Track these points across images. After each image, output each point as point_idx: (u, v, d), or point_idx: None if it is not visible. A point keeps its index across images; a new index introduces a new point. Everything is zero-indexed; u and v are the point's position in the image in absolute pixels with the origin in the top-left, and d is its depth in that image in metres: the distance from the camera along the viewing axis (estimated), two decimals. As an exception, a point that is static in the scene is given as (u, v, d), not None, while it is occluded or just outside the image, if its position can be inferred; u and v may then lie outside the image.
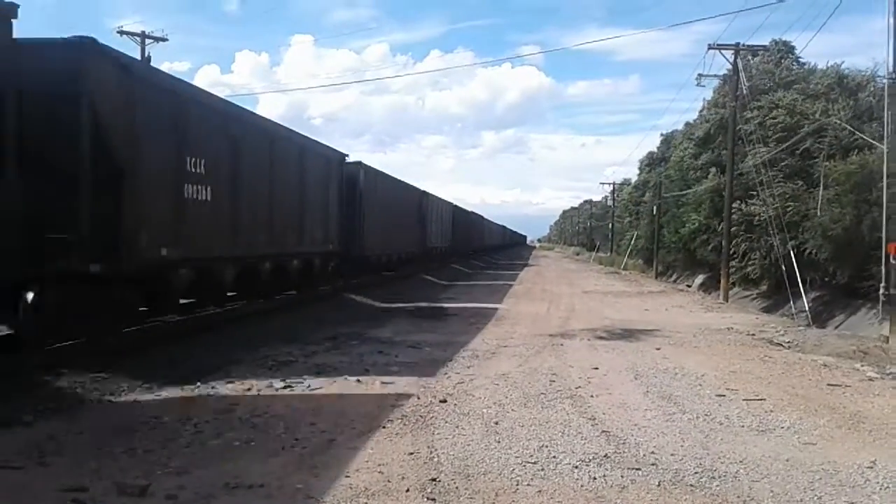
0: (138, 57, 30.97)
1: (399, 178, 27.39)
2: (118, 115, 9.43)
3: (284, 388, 8.41)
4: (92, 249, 8.90)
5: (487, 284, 29.81)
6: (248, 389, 8.25)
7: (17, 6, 7.91)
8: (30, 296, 8.47)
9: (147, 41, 33.45)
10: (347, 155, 20.68)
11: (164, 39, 34.08)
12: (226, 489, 4.99)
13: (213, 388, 8.27)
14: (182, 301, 12.49)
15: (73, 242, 8.73)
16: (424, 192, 34.74)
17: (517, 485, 5.17)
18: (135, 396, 7.80)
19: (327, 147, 19.42)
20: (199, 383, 8.47)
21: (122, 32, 33.24)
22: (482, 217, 71.92)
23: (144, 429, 6.54)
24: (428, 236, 35.16)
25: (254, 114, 15.32)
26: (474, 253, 57.73)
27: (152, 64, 26.70)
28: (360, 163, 22.30)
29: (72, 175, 8.72)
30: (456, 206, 48.00)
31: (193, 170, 11.31)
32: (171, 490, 4.93)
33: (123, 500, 4.77)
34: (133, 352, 9.95)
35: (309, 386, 8.53)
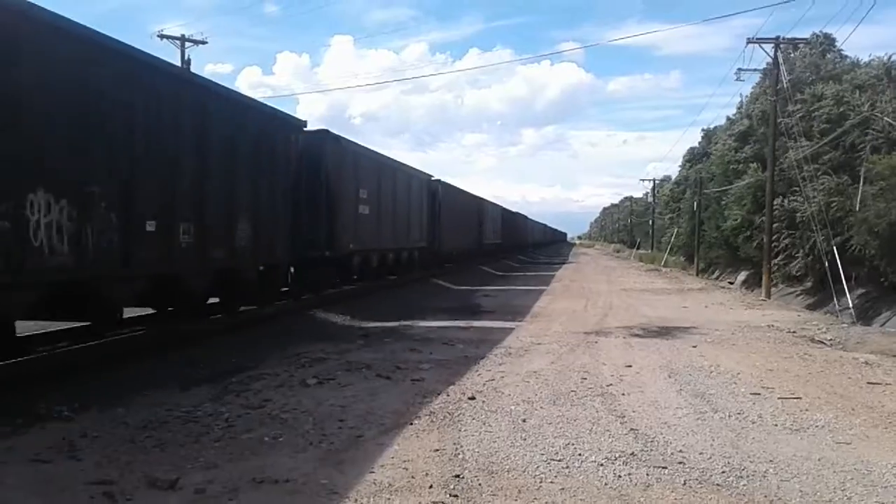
0: (178, 60, 31.51)
1: (459, 186, 33.32)
2: (334, 167, 16.37)
3: (317, 384, 8.50)
4: (325, 243, 15.94)
5: (527, 281, 30.05)
6: (280, 385, 8.36)
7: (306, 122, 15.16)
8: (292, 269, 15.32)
9: (187, 44, 33.97)
10: (432, 175, 27.81)
11: (203, 42, 34.58)
12: (252, 484, 5.07)
13: (245, 384, 8.39)
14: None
15: (317, 239, 15.61)
16: (482, 199, 41.71)
17: (540, 482, 5.16)
18: (171, 392, 7.95)
19: (420, 171, 26.14)
20: (233, 379, 8.62)
21: (162, 36, 33.81)
22: (525, 217, 76.49)
23: (177, 423, 6.67)
24: (484, 235, 41.10)
25: (390, 158, 22.13)
26: (519, 249, 63.12)
27: (192, 67, 27.35)
28: (439, 180, 28.58)
29: (317, 204, 15.57)
30: (504, 208, 53.89)
31: (362, 196, 18.36)
32: (200, 484, 5.03)
33: (152, 492, 4.88)
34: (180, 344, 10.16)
35: (340, 382, 8.61)
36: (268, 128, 12.93)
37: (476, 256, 39.81)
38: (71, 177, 7.81)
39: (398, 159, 23.09)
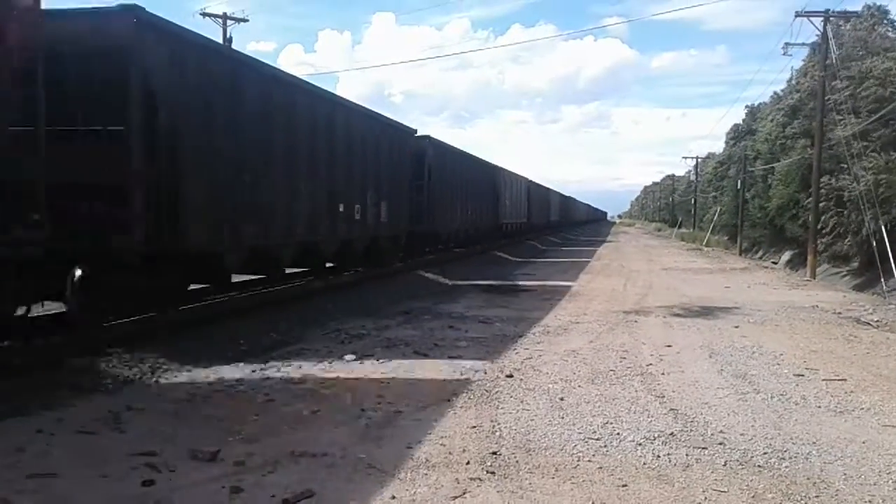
0: (220, 38, 31.72)
1: (485, 159, 32.83)
2: (434, 163, 22.01)
3: (355, 360, 8.57)
4: (426, 220, 21.26)
5: (566, 258, 29.86)
6: (319, 361, 8.44)
7: (416, 130, 20.71)
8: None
9: (228, 22, 34.20)
10: (497, 166, 33.73)
11: (244, 20, 34.86)
12: (291, 457, 5.13)
13: (286, 360, 8.49)
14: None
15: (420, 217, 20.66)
16: (535, 183, 48.04)
17: (578, 460, 5.14)
18: (215, 366, 8.07)
19: (488, 163, 31.76)
20: (274, 353, 8.74)
21: (204, 14, 34.11)
22: (573, 197, 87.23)
23: (220, 397, 6.79)
24: (544, 213, 50.18)
25: (471, 155, 28.37)
26: (561, 227, 66.54)
27: (234, 45, 27.62)
28: (498, 167, 34.15)
29: (421, 190, 20.94)
30: (560, 193, 64.25)
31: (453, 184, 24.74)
32: (240, 456, 5.10)
33: (194, 464, 4.96)
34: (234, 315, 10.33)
35: (378, 359, 8.66)
36: (395, 136, 17.98)
37: (528, 231, 45.16)
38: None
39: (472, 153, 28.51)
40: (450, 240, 26.09)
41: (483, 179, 30.67)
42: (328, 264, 15.75)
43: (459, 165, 25.81)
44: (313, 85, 13.49)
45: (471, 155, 28.75)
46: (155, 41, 8.52)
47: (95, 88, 8.05)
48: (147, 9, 8.27)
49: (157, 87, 8.53)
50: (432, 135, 22.13)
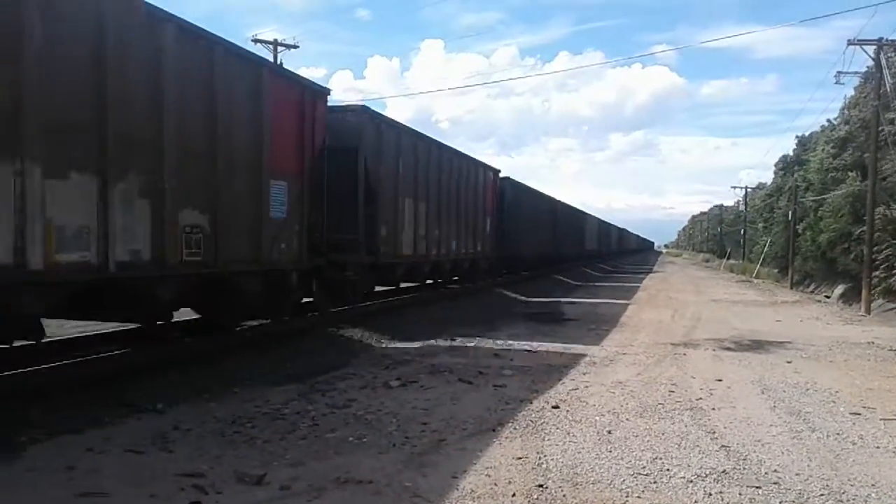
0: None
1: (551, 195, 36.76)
2: (511, 199, 25.50)
3: (401, 385, 8.56)
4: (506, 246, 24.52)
5: (613, 288, 29.57)
6: (364, 386, 8.44)
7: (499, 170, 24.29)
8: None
9: (280, 49, 34.89)
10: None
11: (295, 47, 35.57)
12: (336, 483, 5.12)
13: (332, 384, 8.52)
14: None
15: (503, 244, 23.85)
16: (591, 215, 55.01)
17: (627, 496, 5.03)
18: (260, 389, 8.13)
19: (553, 197, 35.62)
20: (319, 378, 8.77)
21: (256, 41, 34.87)
22: (626, 229, 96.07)
23: (266, 420, 6.82)
24: (585, 242, 50.88)
25: (542, 192, 32.93)
26: (611, 255, 70.30)
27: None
28: (580, 210, 43.25)
29: (502, 221, 24.34)
30: (604, 221, 67.43)
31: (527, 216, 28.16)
32: (286, 481, 5.11)
33: (240, 487, 4.98)
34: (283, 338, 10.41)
35: (423, 386, 8.63)
36: (479, 173, 21.79)
37: (582, 259, 49.43)
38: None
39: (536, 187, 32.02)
40: (523, 264, 30.25)
41: (565, 217, 39.86)
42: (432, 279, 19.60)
43: (534, 202, 30.87)
44: (454, 149, 19.55)
45: (546, 195, 34.60)
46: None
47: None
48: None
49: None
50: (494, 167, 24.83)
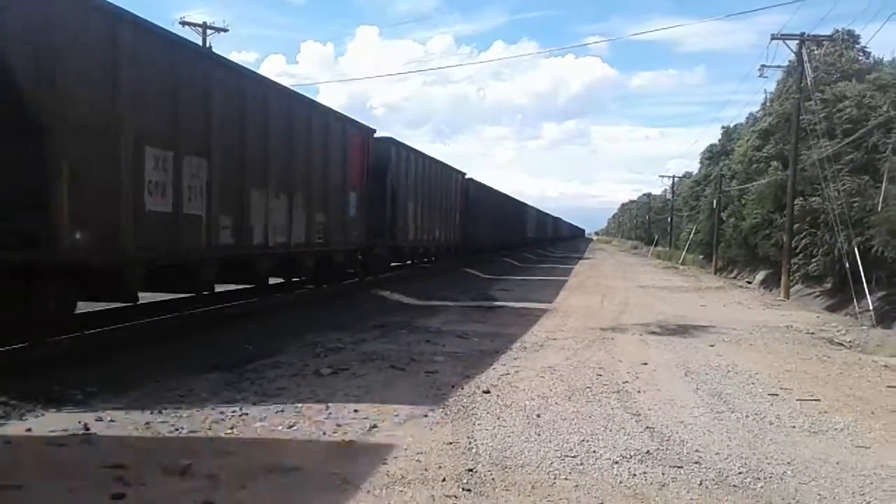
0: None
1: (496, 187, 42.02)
2: (473, 197, 31.30)
3: (331, 374, 8.49)
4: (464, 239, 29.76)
5: (543, 275, 30.08)
6: (294, 375, 8.36)
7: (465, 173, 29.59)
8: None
9: (209, 32, 34.07)
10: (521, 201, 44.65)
11: (224, 30, 34.85)
12: (265, 471, 5.05)
13: (261, 373, 8.40)
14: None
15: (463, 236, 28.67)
16: (528, 205, 59.30)
17: (554, 478, 5.11)
18: (184, 379, 7.97)
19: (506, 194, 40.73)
20: (248, 366, 8.64)
21: (184, 23, 33.96)
22: (561, 217, 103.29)
23: (192, 409, 6.67)
24: (527, 231, 56.85)
25: (496, 190, 38.11)
26: (547, 242, 76.74)
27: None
28: (522, 202, 47.58)
29: (465, 217, 29.54)
30: (553, 215, 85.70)
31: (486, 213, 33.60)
32: (213, 471, 5.01)
33: (165, 478, 4.86)
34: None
35: (354, 373, 8.59)
36: (453, 177, 27.74)
37: (521, 246, 52.89)
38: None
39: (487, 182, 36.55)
40: (482, 249, 35.64)
41: (511, 208, 46.81)
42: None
43: (490, 198, 36.93)
44: (435, 159, 25.02)
45: (499, 191, 41.77)
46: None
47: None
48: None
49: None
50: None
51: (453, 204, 27.66)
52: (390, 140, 19.46)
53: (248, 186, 11.19)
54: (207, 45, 32.72)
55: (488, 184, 37.59)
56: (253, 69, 12.12)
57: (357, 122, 16.40)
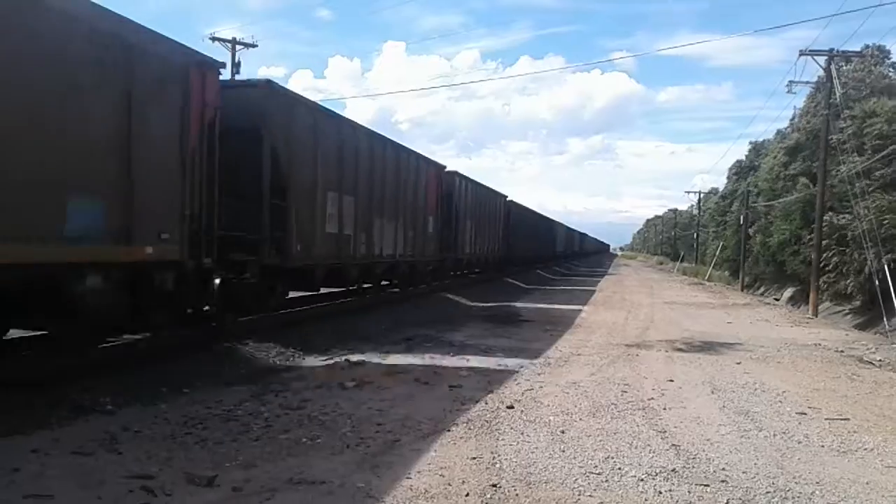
0: (229, 63, 32.00)
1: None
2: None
3: (356, 387, 8.52)
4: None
5: (568, 290, 29.94)
6: (319, 387, 8.40)
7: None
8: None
9: (238, 48, 34.52)
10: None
11: (253, 46, 35.26)
12: (289, 484, 5.08)
13: (286, 385, 8.45)
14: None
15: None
16: (557, 222, 62.25)
17: (579, 495, 5.08)
18: (211, 389, 8.04)
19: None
20: (272, 378, 8.70)
21: (214, 39, 34.47)
22: (583, 233, 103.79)
23: (217, 421, 6.73)
24: (557, 246, 61.00)
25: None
26: (574, 256, 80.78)
27: (242, 69, 27.95)
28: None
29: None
30: (580, 232, 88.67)
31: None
32: (238, 482, 5.05)
33: (190, 489, 4.91)
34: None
35: (380, 386, 8.61)
36: (498, 199, 31.37)
37: (553, 259, 58.02)
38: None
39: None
40: (520, 262, 39.74)
41: (543, 226, 50.32)
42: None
43: (526, 217, 41.16)
44: (488, 187, 29.64)
45: (534, 211, 45.98)
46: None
47: None
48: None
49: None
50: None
51: (498, 223, 31.75)
52: (455, 173, 23.96)
53: (374, 215, 15.69)
54: (236, 60, 33.18)
55: (519, 201, 39.64)
56: (350, 118, 15.34)
57: (433, 160, 21.10)
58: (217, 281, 9.77)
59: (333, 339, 11.98)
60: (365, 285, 16.88)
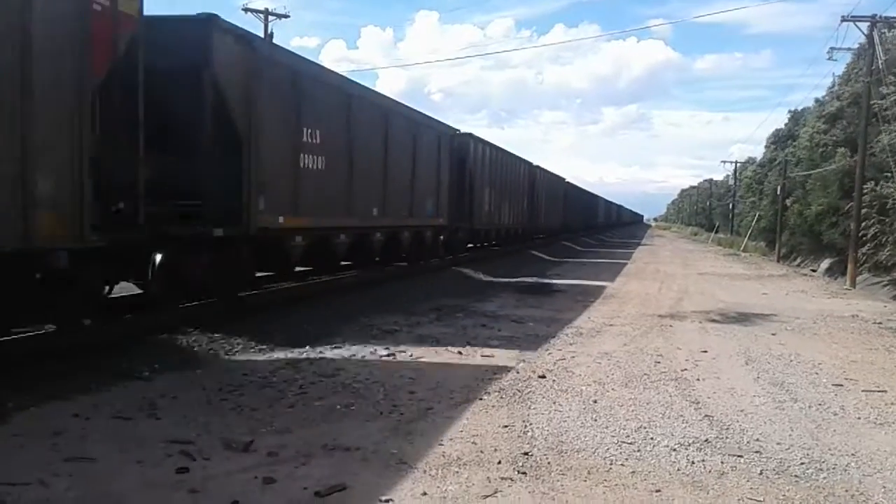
0: (262, 33, 31.99)
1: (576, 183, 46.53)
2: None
3: (387, 355, 8.60)
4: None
5: (601, 261, 29.77)
6: (353, 356, 8.48)
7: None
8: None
9: (271, 18, 34.50)
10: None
11: (285, 16, 35.23)
12: (324, 450, 5.15)
13: (320, 352, 8.55)
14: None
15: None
16: (601, 197, 72.26)
17: (611, 464, 5.09)
18: (248, 356, 8.16)
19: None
20: (307, 347, 8.80)
21: (246, 10, 34.47)
22: (619, 204, 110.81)
23: (253, 388, 6.84)
24: (598, 217, 68.02)
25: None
26: (611, 227, 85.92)
27: (276, 40, 27.93)
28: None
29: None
30: (609, 200, 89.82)
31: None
32: (273, 448, 5.14)
33: (227, 454, 5.01)
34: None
35: (411, 355, 8.68)
36: (517, 165, 29.59)
37: (595, 228, 65.08)
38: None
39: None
40: (551, 233, 40.79)
41: (582, 197, 54.62)
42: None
43: (579, 194, 48.44)
44: (510, 152, 28.16)
45: (561, 178, 43.27)
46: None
47: None
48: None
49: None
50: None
51: (521, 190, 30.40)
52: (468, 135, 22.26)
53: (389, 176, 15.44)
54: (269, 31, 33.17)
55: (551, 170, 39.04)
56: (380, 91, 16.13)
57: (445, 124, 20.39)
58: None
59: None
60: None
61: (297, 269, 13.15)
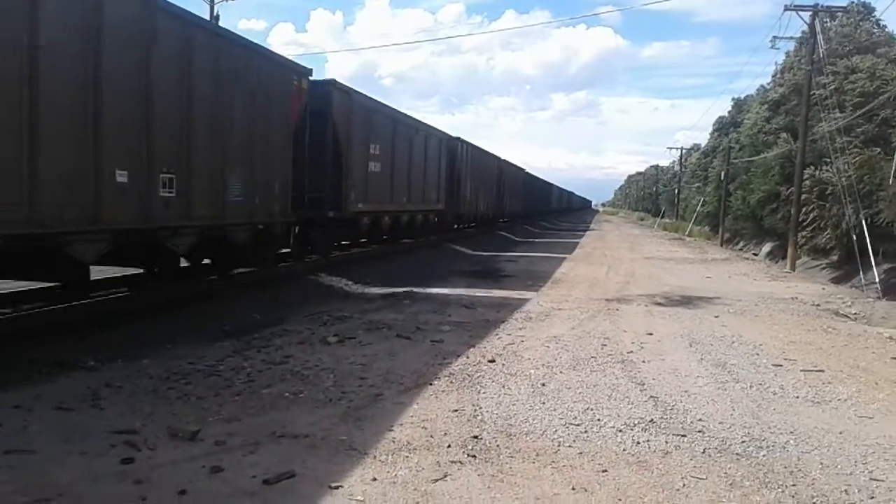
0: (207, 15, 31.35)
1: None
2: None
3: (338, 342, 8.56)
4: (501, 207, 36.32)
5: (548, 246, 29.99)
6: (301, 343, 8.42)
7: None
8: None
9: (216, 0, 33.81)
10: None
11: (232, -2, 34.44)
12: (272, 438, 5.12)
13: (268, 341, 8.47)
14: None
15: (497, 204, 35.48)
16: (554, 185, 77.39)
17: (559, 446, 5.17)
18: (193, 346, 8.04)
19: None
20: (255, 334, 8.71)
21: (191, -10, 33.65)
22: (570, 191, 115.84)
23: (199, 377, 6.75)
24: (551, 203, 71.10)
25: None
26: (563, 212, 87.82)
27: (221, 22, 27.37)
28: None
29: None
30: (562, 188, 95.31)
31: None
32: (220, 436, 5.08)
33: (174, 443, 4.94)
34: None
35: (361, 342, 8.65)
36: (490, 160, 34.87)
37: (542, 215, 63.19)
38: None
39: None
40: (513, 217, 44.73)
41: (538, 185, 59.23)
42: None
43: (518, 176, 45.37)
44: (484, 150, 32.99)
45: (524, 170, 49.92)
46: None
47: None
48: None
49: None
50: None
51: (492, 181, 35.41)
52: (458, 139, 27.37)
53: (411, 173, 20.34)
54: (214, 14, 32.51)
55: (510, 160, 44.26)
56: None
57: (442, 131, 24.88)
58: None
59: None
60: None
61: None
